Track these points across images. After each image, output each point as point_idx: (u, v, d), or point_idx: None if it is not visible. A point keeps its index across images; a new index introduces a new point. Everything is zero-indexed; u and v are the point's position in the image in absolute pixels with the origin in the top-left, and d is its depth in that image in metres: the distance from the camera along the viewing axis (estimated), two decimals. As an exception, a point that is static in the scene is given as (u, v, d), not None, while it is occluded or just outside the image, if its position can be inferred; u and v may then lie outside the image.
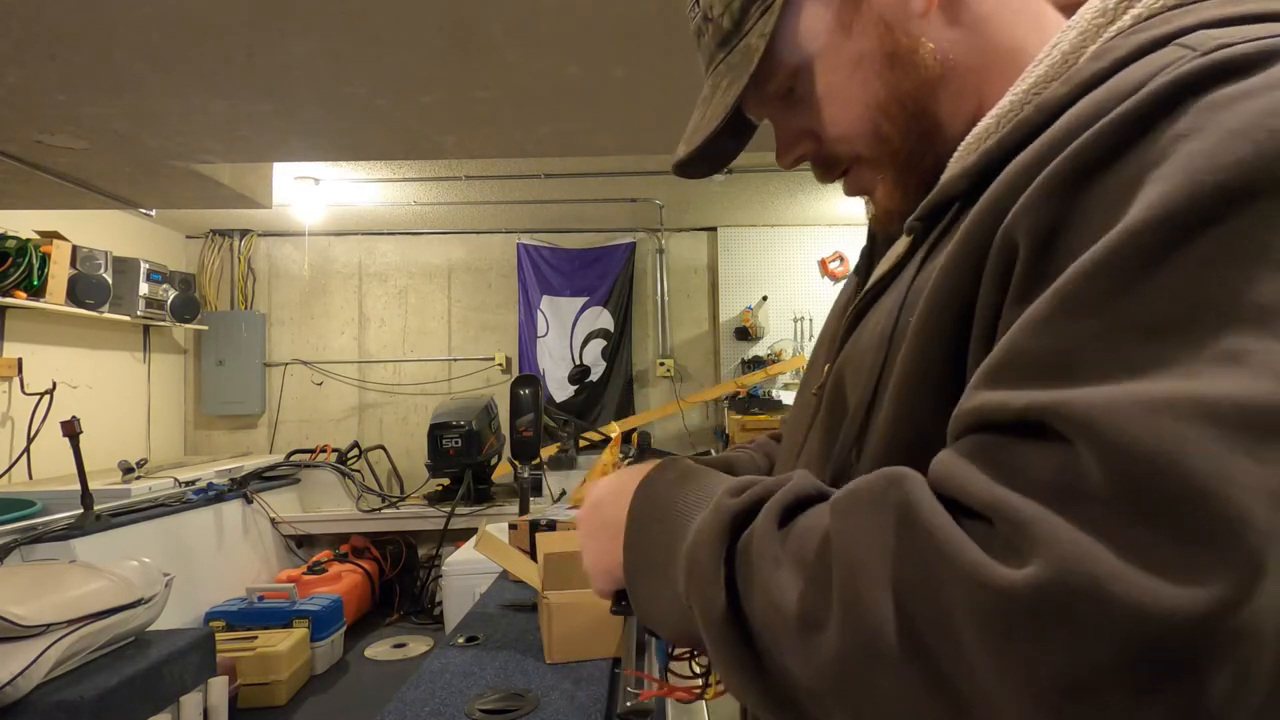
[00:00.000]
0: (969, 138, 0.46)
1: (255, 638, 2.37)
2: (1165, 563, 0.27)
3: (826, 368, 0.55)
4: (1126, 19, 0.42)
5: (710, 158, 0.59)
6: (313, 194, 3.94)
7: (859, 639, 0.33)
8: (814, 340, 5.01)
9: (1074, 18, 0.44)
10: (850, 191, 0.57)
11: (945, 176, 0.47)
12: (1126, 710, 0.27)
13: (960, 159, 0.47)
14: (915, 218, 0.48)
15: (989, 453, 0.34)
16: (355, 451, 4.23)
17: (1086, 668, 0.27)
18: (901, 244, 0.51)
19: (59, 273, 3.41)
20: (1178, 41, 0.37)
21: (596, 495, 0.59)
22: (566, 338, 4.98)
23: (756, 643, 0.39)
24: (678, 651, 0.58)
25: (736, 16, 0.52)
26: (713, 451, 2.87)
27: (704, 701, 0.58)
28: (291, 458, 3.84)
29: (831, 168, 0.56)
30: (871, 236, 0.62)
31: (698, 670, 0.58)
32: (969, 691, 0.30)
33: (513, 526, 1.95)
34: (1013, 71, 0.46)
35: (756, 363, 4.79)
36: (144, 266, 3.97)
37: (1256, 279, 0.30)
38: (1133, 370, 0.31)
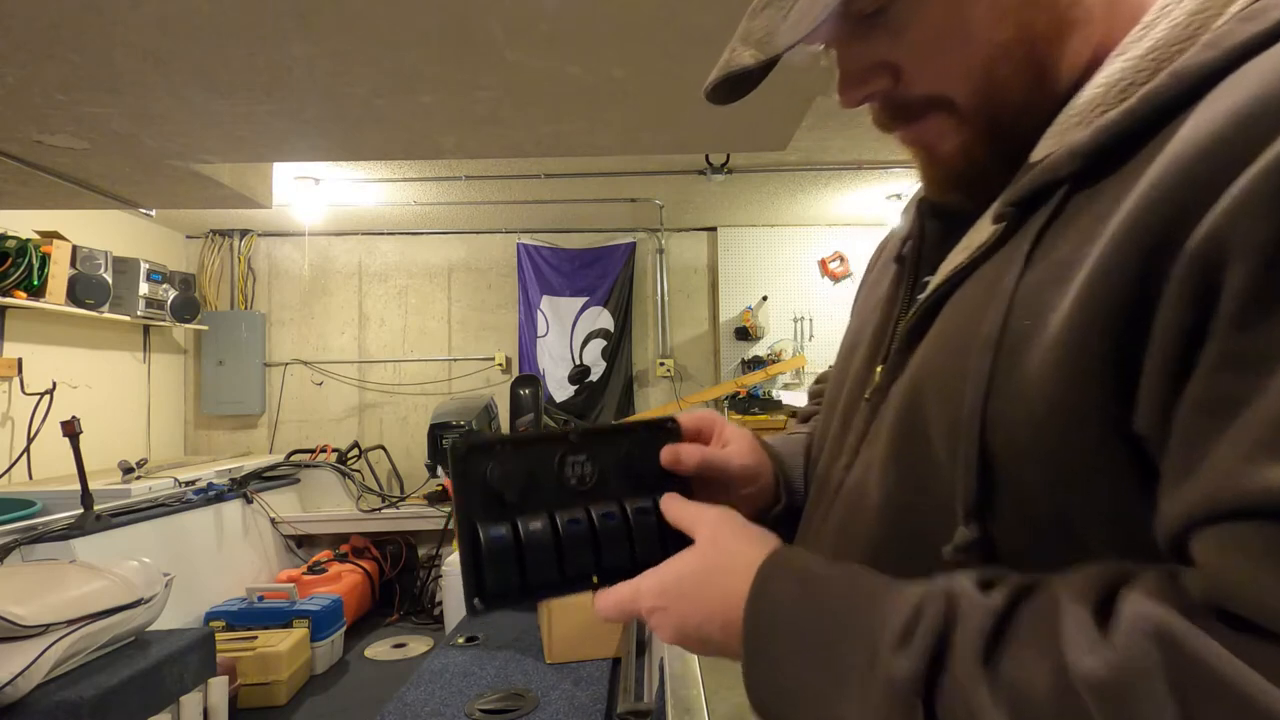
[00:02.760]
0: (1071, 109, 0.39)
1: (255, 638, 2.37)
2: None
3: (879, 370, 0.48)
4: None
5: (735, 84, 0.50)
6: (313, 194, 3.93)
7: None
8: (813, 339, 4.97)
9: None
10: (910, 142, 0.47)
11: (1046, 156, 0.39)
12: None
13: (1060, 134, 0.39)
14: (1008, 202, 0.41)
15: None
16: (355, 451, 4.23)
17: None
18: (986, 231, 0.42)
19: (59, 273, 3.41)
20: None
21: (707, 545, 0.47)
22: (566, 338, 4.98)
23: None
24: None
25: None
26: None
27: (704, 701, 0.58)
28: (291, 458, 3.84)
29: (903, 113, 0.46)
30: (919, 219, 0.52)
31: None
32: None
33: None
34: (1131, 27, 0.39)
35: (756, 363, 4.79)
36: (144, 266, 3.97)
37: None
38: None
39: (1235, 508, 0.28)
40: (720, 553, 0.46)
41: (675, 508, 0.51)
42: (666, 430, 0.57)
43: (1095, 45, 0.41)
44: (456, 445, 0.50)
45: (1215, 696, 0.26)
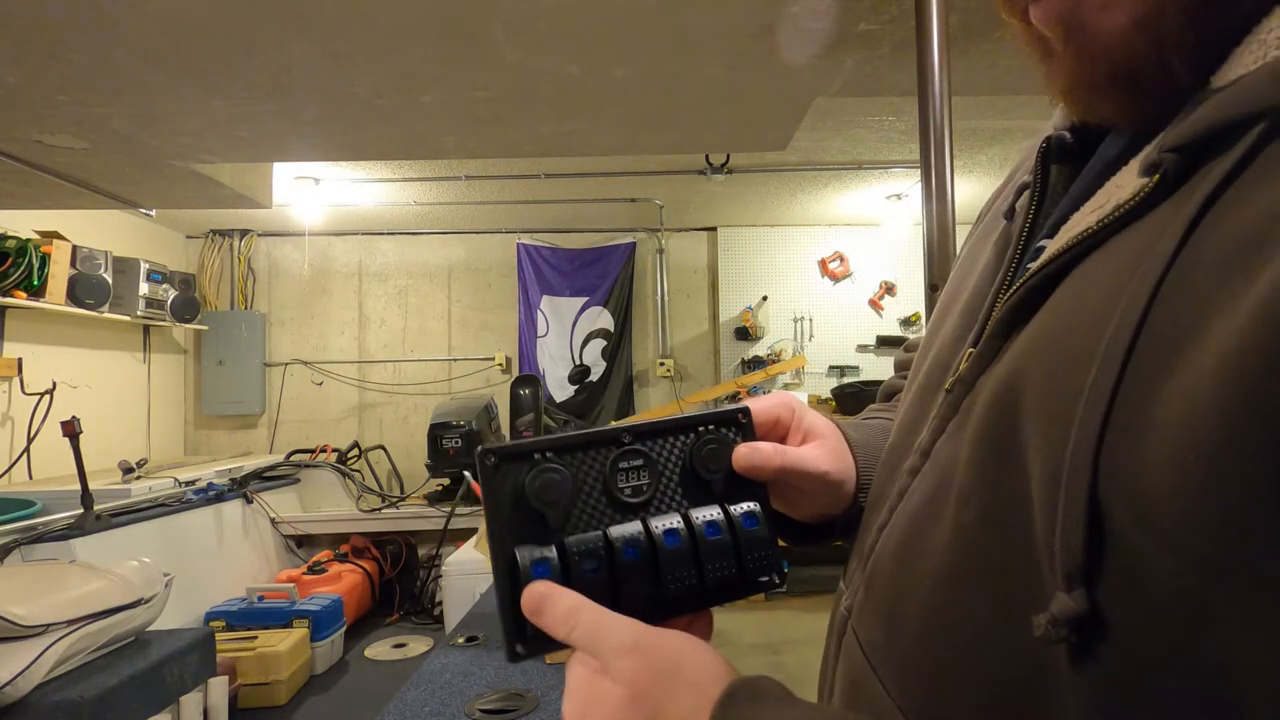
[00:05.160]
0: (1276, 18, 0.26)
1: (255, 638, 2.37)
2: None
3: (968, 354, 0.37)
4: None
5: None
6: (313, 194, 3.94)
7: None
8: (813, 339, 4.97)
9: None
10: (1053, 18, 0.33)
11: (1239, 78, 0.27)
12: None
13: (1263, 46, 0.27)
14: (1171, 146, 0.28)
15: None
16: (355, 451, 4.23)
17: None
18: (1133, 185, 0.30)
19: (59, 273, 3.41)
20: None
21: (644, 669, 0.35)
22: (566, 338, 4.98)
23: None
24: None
25: None
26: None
27: None
28: (291, 458, 3.84)
29: (1057, 10, 0.33)
30: (1043, 163, 0.39)
31: None
32: None
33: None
34: None
35: (756, 363, 4.79)
36: (144, 266, 3.97)
37: None
38: None
39: None
40: (652, 704, 0.34)
41: (585, 625, 0.37)
42: (738, 424, 0.47)
43: None
44: (485, 454, 0.41)
45: None
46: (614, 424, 0.49)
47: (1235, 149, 0.26)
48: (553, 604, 0.38)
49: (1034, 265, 0.34)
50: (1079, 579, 0.26)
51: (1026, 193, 0.40)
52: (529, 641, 0.40)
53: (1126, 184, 0.31)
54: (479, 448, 0.41)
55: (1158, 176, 0.28)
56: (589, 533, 0.42)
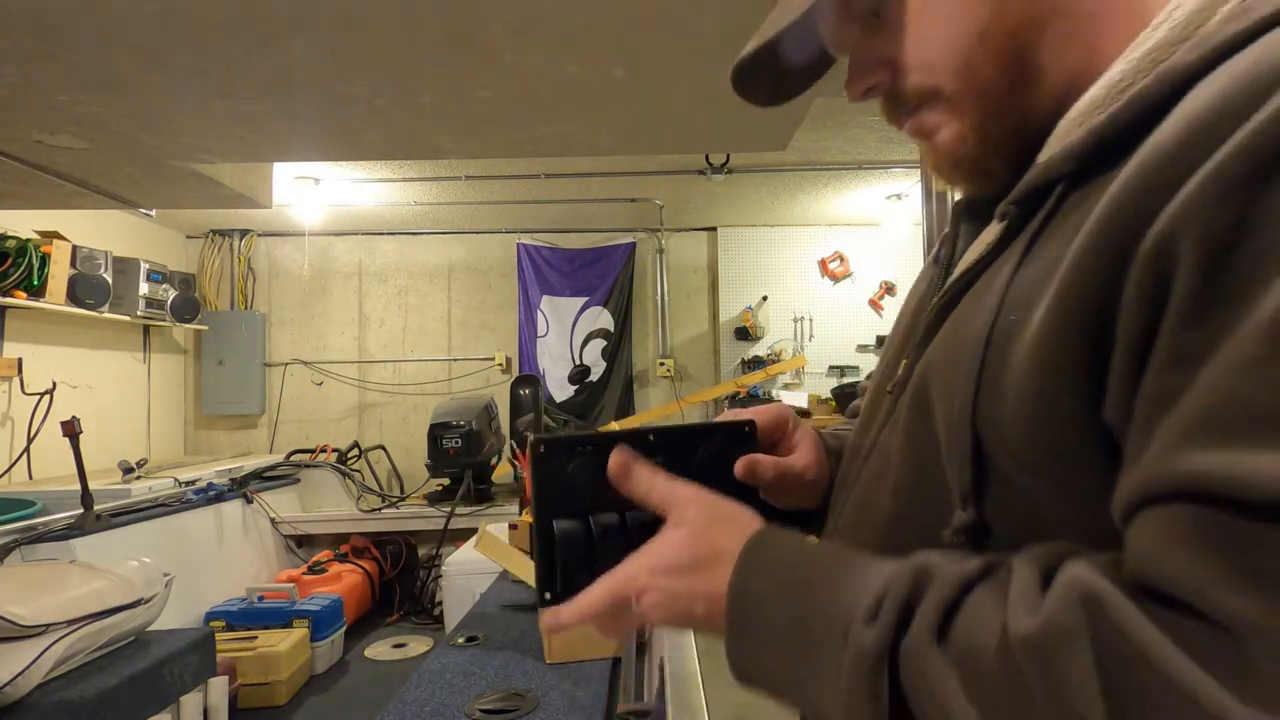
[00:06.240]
0: (1074, 111, 0.41)
1: (255, 638, 2.37)
2: None
3: (904, 364, 0.50)
4: None
5: (777, 80, 0.56)
6: (313, 194, 3.94)
7: None
8: (813, 339, 4.98)
9: None
10: (913, 132, 0.50)
11: (1046, 156, 0.41)
12: None
13: (1063, 135, 0.41)
14: (1010, 201, 0.43)
15: (1225, 543, 0.28)
16: (355, 451, 4.23)
17: None
18: (993, 230, 0.45)
19: (59, 273, 3.41)
20: None
21: (691, 529, 0.47)
22: (566, 338, 4.98)
23: None
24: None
25: None
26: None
27: (704, 701, 0.58)
28: (291, 458, 3.84)
29: (903, 104, 0.49)
30: (956, 219, 0.54)
31: None
32: None
33: (513, 526, 1.95)
34: (1133, 29, 0.40)
35: (756, 363, 4.79)
36: (144, 266, 3.97)
37: None
38: None
39: (1164, 492, 0.30)
40: (709, 538, 0.46)
41: (660, 488, 0.50)
42: (744, 435, 0.58)
43: (1093, 36, 0.42)
44: (537, 443, 0.51)
45: (1132, 661, 0.28)
46: (640, 424, 0.62)
47: (1048, 202, 0.41)
48: (637, 469, 0.50)
49: (938, 293, 0.48)
50: (970, 499, 0.41)
51: (946, 243, 0.55)
52: (558, 594, 0.50)
53: (992, 230, 0.45)
54: (532, 437, 0.51)
55: (1005, 223, 0.44)
56: (611, 514, 0.51)
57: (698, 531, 0.47)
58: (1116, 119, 0.37)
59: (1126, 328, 0.33)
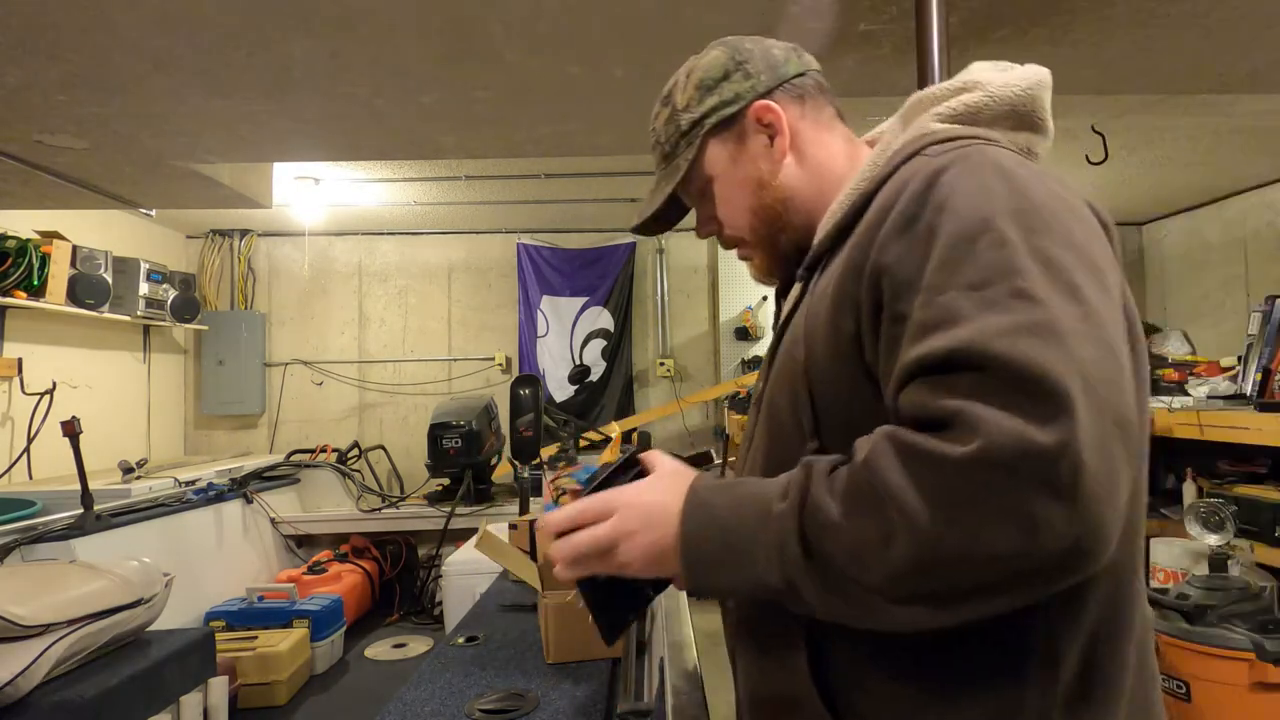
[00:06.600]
0: (826, 217, 0.74)
1: (255, 638, 2.37)
2: (1042, 417, 0.48)
3: (762, 385, 0.78)
4: (896, 145, 0.71)
5: (662, 222, 0.90)
6: (313, 194, 3.94)
7: (919, 536, 0.51)
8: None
9: (873, 153, 0.74)
10: (741, 258, 0.87)
11: (814, 243, 0.74)
12: (1020, 492, 0.49)
13: (823, 228, 0.73)
14: (803, 269, 0.75)
15: (937, 385, 0.53)
16: (355, 451, 4.22)
17: (1014, 475, 0.48)
18: (796, 288, 0.76)
19: (59, 273, 3.41)
20: (923, 153, 0.66)
21: (638, 498, 0.69)
22: (566, 338, 4.98)
23: (842, 571, 0.55)
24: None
25: (673, 145, 0.84)
26: (713, 451, 2.87)
27: (704, 701, 0.64)
28: (291, 458, 3.83)
29: (730, 244, 0.86)
30: (777, 296, 0.88)
31: None
32: (985, 509, 0.49)
33: (513, 526, 1.95)
34: (837, 189, 0.75)
35: (756, 363, 4.78)
36: (144, 266, 3.97)
37: (1014, 254, 0.54)
38: (984, 310, 0.53)
39: (905, 375, 0.56)
40: (667, 489, 0.68)
41: (597, 534, 0.67)
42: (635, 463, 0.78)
43: (814, 200, 0.78)
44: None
45: (918, 455, 0.52)
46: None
47: (820, 265, 0.72)
48: (574, 551, 0.68)
49: (775, 334, 0.78)
50: (814, 433, 0.67)
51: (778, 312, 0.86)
52: (609, 627, 0.72)
53: (796, 289, 0.76)
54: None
55: (801, 283, 0.74)
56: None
57: (665, 480, 0.70)
58: (844, 213, 0.70)
59: (867, 311, 0.61)
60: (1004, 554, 0.48)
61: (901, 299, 0.58)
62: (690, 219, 0.90)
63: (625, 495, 0.68)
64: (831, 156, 0.80)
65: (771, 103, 0.79)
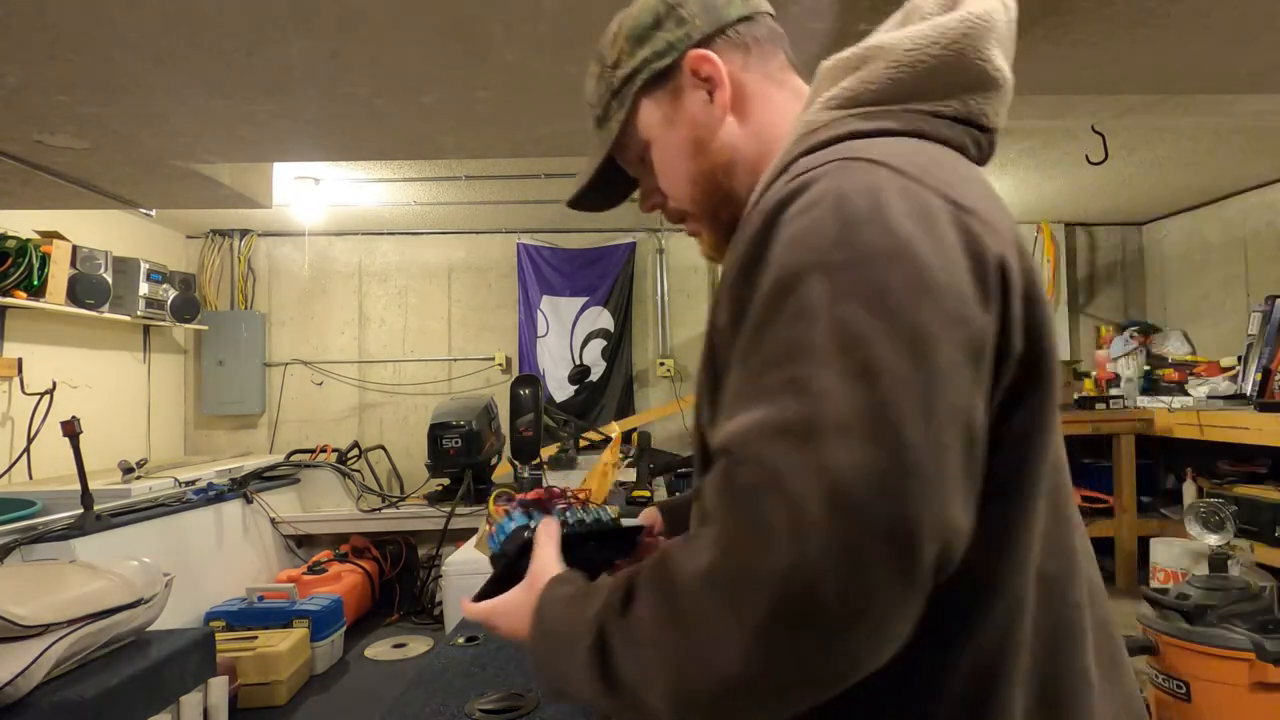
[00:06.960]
0: (761, 181, 0.64)
1: (255, 638, 2.37)
2: (766, 537, 0.44)
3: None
4: (788, 143, 0.63)
5: (603, 195, 0.83)
6: (313, 194, 3.93)
7: (667, 672, 0.48)
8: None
9: (782, 146, 0.65)
10: (689, 233, 0.78)
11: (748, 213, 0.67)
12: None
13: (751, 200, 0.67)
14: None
15: (711, 476, 0.50)
16: (355, 451, 4.23)
17: (733, 600, 0.45)
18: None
19: (59, 273, 3.41)
20: (790, 168, 0.58)
21: (515, 608, 0.69)
22: (566, 338, 4.98)
23: (630, 691, 0.52)
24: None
25: (604, 107, 0.76)
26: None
27: None
28: (291, 458, 3.84)
29: (675, 218, 0.77)
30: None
31: None
32: (738, 617, 0.45)
33: (513, 526, 1.94)
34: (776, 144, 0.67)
35: (756, 363, 4.79)
36: (144, 266, 3.97)
37: (808, 328, 0.48)
38: (752, 403, 0.49)
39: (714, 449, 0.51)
40: (531, 592, 0.66)
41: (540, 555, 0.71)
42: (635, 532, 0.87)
43: (757, 167, 0.68)
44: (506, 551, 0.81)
45: (660, 575, 0.50)
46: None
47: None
48: (478, 609, 0.75)
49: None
50: (710, 421, 0.59)
51: None
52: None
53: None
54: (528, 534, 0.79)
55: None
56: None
57: (530, 586, 0.68)
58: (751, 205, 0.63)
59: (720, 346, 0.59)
60: (743, 677, 0.44)
61: (723, 357, 0.56)
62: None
63: (503, 605, 0.71)
64: (781, 115, 0.69)
65: (709, 52, 0.69)
